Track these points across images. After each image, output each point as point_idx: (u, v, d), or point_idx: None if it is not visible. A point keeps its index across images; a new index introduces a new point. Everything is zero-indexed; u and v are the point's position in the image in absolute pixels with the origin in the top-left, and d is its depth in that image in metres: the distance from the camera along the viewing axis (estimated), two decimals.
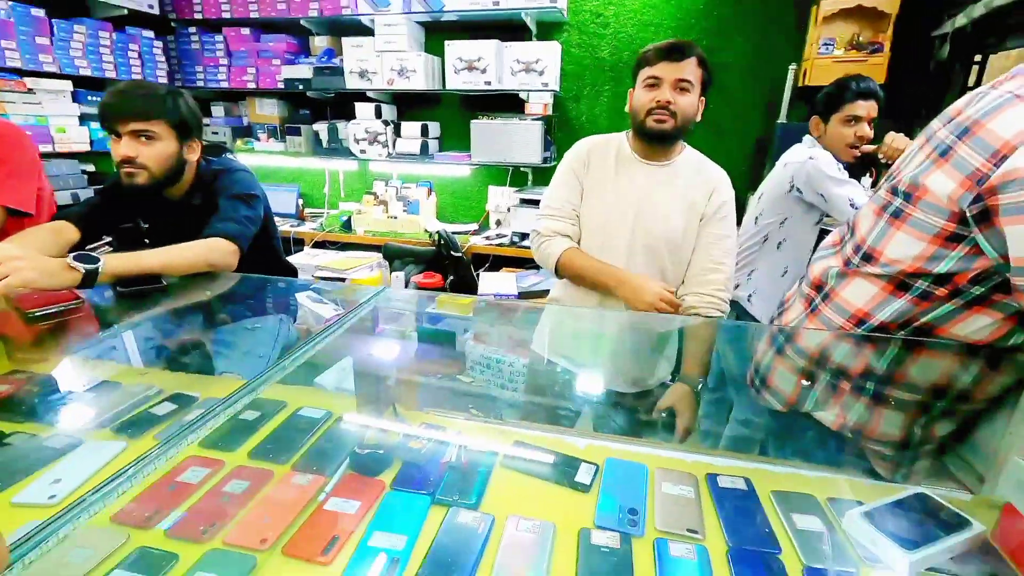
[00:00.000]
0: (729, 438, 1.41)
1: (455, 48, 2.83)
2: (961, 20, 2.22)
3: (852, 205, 1.61)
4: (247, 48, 3.20)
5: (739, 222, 1.88)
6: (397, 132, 3.16)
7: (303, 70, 3.10)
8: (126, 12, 2.95)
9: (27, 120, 2.62)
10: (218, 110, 3.52)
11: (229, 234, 1.30)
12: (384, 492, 0.77)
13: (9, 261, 1.01)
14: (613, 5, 2.88)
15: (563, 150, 3.07)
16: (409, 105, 3.31)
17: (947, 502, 0.78)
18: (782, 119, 2.72)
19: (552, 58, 2.76)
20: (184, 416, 0.87)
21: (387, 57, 2.92)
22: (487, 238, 3.02)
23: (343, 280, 2.60)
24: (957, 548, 0.71)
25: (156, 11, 3.10)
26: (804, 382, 0.99)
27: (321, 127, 3.27)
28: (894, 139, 1.68)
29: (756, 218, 1.87)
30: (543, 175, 3.15)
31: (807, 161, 1.67)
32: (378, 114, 3.13)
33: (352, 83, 3.03)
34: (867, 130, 1.71)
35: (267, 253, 1.58)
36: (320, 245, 3.09)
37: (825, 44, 2.54)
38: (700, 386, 1.17)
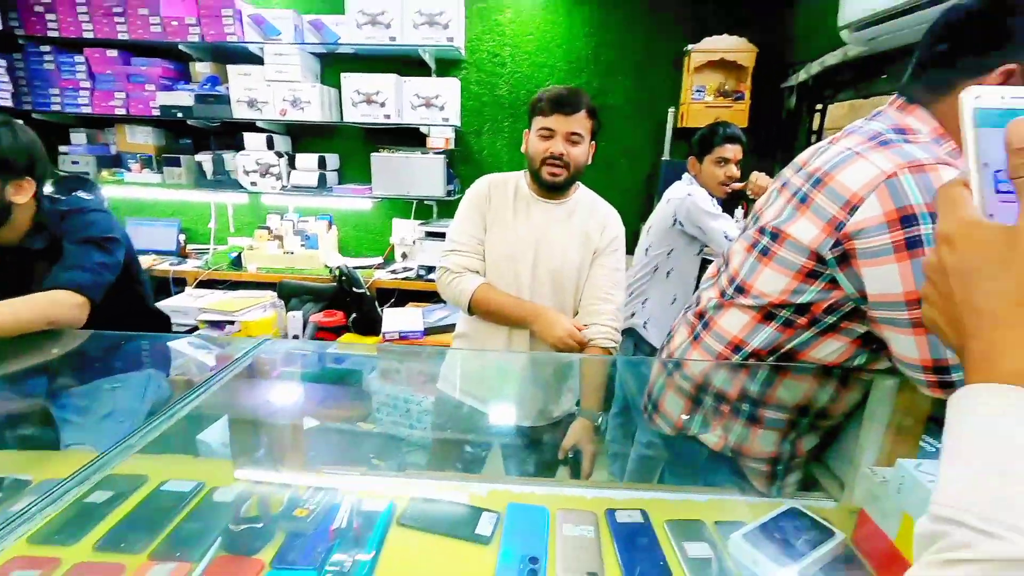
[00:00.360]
0: (635, 464, 1.46)
1: (352, 81, 2.78)
2: (803, 75, 2.58)
3: (726, 237, 1.78)
4: (114, 71, 2.90)
5: (632, 252, 2.00)
6: (292, 164, 3.01)
7: (183, 97, 2.87)
8: None
9: None
10: (79, 137, 3.14)
11: (76, 284, 1.13)
12: (262, 573, 0.69)
13: None
14: (509, 46, 3.00)
15: (467, 183, 3.14)
16: (305, 136, 3.18)
17: (815, 513, 0.85)
18: (666, 156, 2.97)
19: (452, 94, 2.81)
20: (9, 506, 0.73)
21: (279, 87, 2.80)
22: (392, 272, 2.94)
23: (232, 323, 2.38)
24: (825, 558, 0.77)
25: None
26: (689, 407, 1.05)
27: (205, 158, 3.03)
28: (758, 177, 1.91)
29: (646, 250, 2.00)
30: (448, 208, 3.15)
31: (686, 198, 1.83)
32: (270, 145, 2.97)
33: (240, 112, 2.85)
34: (735, 170, 1.92)
35: (131, 302, 1.41)
36: (206, 284, 2.82)
37: (697, 90, 2.82)
38: (600, 420, 1.20)
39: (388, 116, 2.80)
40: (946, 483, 0.28)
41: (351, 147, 3.18)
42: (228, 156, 3.01)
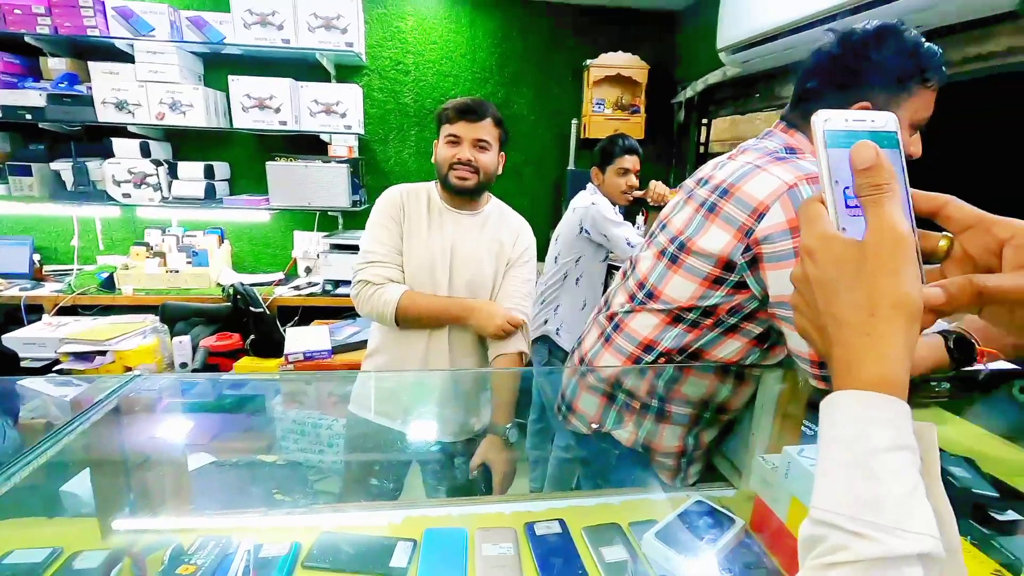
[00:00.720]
0: (554, 468, 1.48)
1: (242, 84, 2.58)
2: (689, 92, 2.80)
3: (628, 243, 1.87)
4: None
5: (543, 260, 2.04)
6: (173, 173, 2.73)
7: (32, 96, 2.49)
8: None
9: None
10: None
11: None
12: None
13: None
14: (412, 54, 2.95)
15: (374, 193, 3.02)
16: (187, 143, 2.89)
17: (717, 503, 0.90)
18: (571, 166, 3.07)
19: (354, 101, 2.70)
20: None
21: (154, 88, 2.52)
22: (295, 288, 2.75)
23: (103, 353, 2.10)
24: (728, 545, 0.82)
25: None
26: (603, 404, 1.08)
27: (64, 166, 2.65)
28: (656, 185, 2.03)
29: (555, 258, 2.05)
30: (354, 219, 3.02)
31: (591, 206, 1.91)
32: (145, 152, 2.66)
33: (106, 115, 2.53)
34: (634, 180, 2.03)
35: None
36: (68, 311, 2.46)
37: (597, 103, 2.96)
38: (507, 433, 1.20)
39: (284, 123, 2.62)
40: (821, 487, 0.29)
41: (243, 155, 2.94)
42: (93, 164, 2.66)
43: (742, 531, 0.84)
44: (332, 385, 1.46)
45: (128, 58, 2.54)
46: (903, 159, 0.34)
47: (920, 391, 1.22)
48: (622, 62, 2.89)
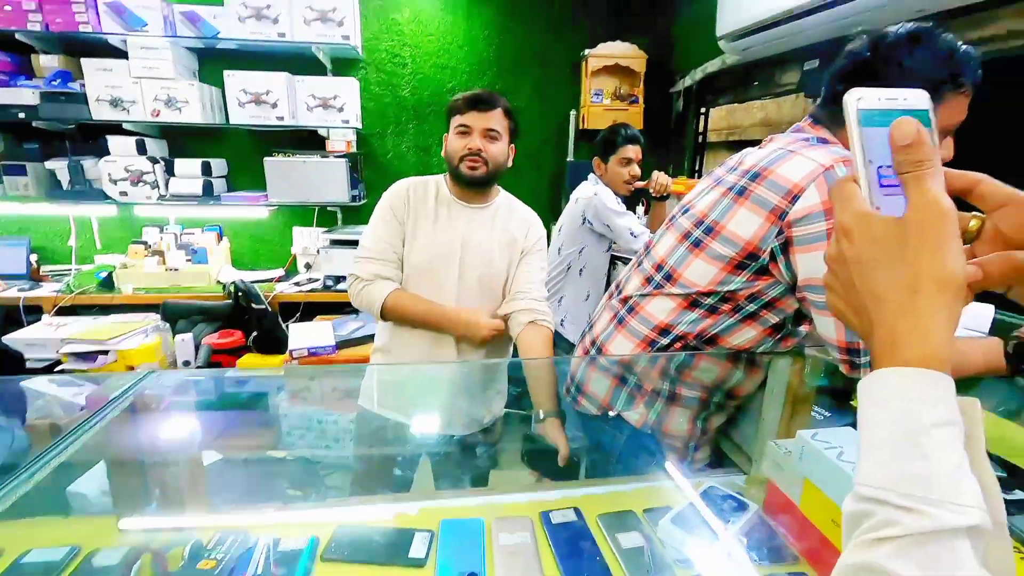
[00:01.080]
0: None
1: (237, 79, 2.55)
2: (688, 81, 2.79)
3: (631, 233, 1.87)
4: None
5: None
6: (170, 171, 2.70)
7: (25, 94, 2.46)
8: None
9: None
10: None
11: None
12: None
13: None
14: (409, 47, 2.93)
15: (373, 188, 3.03)
16: (184, 140, 2.87)
17: (730, 488, 0.91)
18: (570, 157, 3.07)
19: (351, 95, 2.68)
20: None
21: (148, 85, 2.49)
22: (296, 284, 2.74)
23: (105, 353, 2.09)
24: (743, 529, 0.83)
25: None
26: (614, 386, 1.09)
27: (59, 165, 2.62)
28: (659, 176, 2.03)
29: (559, 249, 2.05)
30: (354, 214, 3.01)
31: (593, 197, 1.90)
32: (141, 149, 2.64)
33: (101, 113, 2.50)
34: (637, 169, 2.02)
35: None
36: (68, 311, 2.45)
37: (596, 94, 2.95)
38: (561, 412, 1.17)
39: (281, 118, 2.60)
40: (866, 464, 0.30)
41: (240, 151, 2.92)
42: (89, 163, 2.64)
43: (756, 515, 0.85)
44: (340, 380, 1.46)
45: (121, 54, 2.51)
46: (935, 137, 0.34)
47: None
48: (620, 52, 2.87)
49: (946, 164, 0.34)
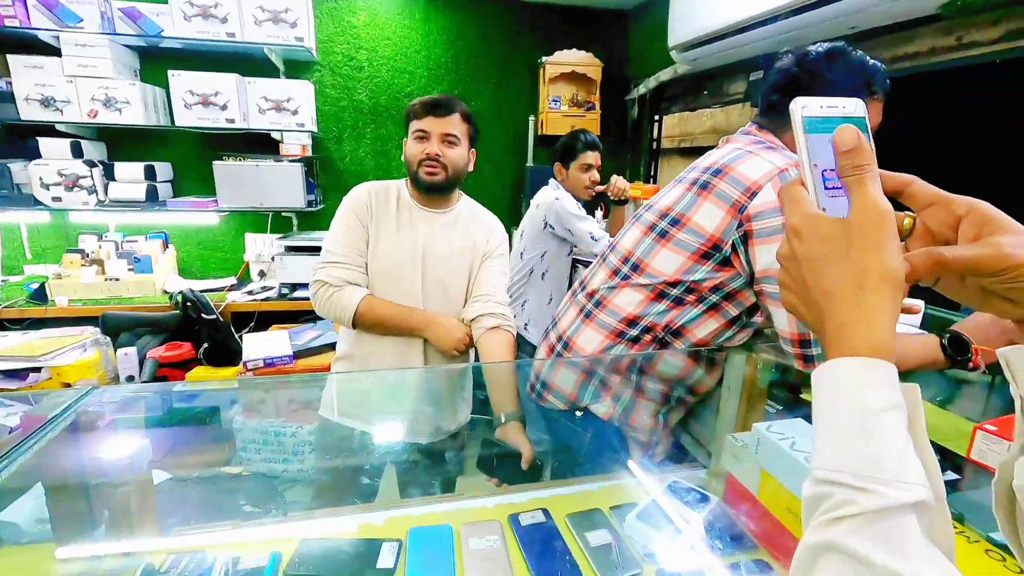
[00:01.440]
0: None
1: (183, 80, 2.44)
2: (642, 89, 2.88)
3: (592, 237, 1.91)
4: None
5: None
6: (109, 175, 2.55)
7: None
8: None
9: None
10: None
11: None
12: None
13: None
14: (365, 50, 2.88)
15: (329, 193, 2.96)
16: (124, 142, 2.72)
17: (691, 482, 0.94)
18: (530, 162, 3.10)
19: (306, 97, 2.61)
20: None
21: (85, 84, 2.35)
22: (249, 293, 2.64)
23: (38, 370, 1.94)
24: (706, 520, 0.86)
25: None
26: (581, 380, 1.11)
27: None
28: (617, 180, 2.08)
29: (521, 253, 2.06)
30: (310, 220, 2.93)
31: (554, 202, 1.93)
32: (77, 152, 2.48)
33: (30, 113, 2.34)
34: (597, 175, 2.07)
35: None
36: None
37: (554, 100, 2.99)
38: (521, 416, 1.17)
39: (232, 120, 2.51)
40: (822, 449, 0.32)
41: (187, 155, 2.79)
42: (17, 166, 2.45)
43: (718, 507, 0.88)
44: (298, 390, 1.41)
45: (54, 51, 2.36)
46: (871, 142, 0.37)
47: None
48: (577, 59, 2.93)
49: None
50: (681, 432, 1.20)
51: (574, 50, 2.94)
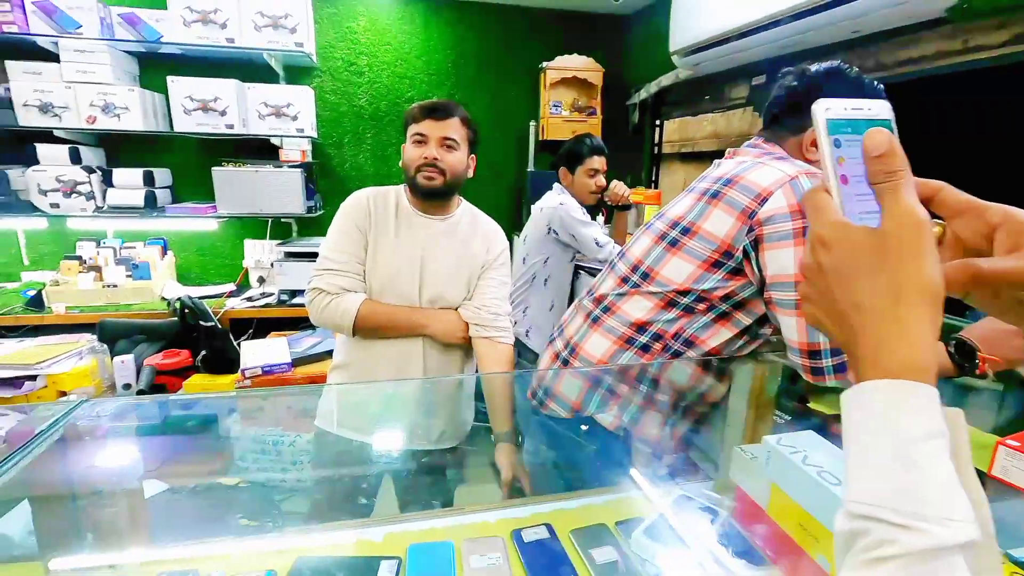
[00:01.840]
0: (538, 469, 1.46)
1: (183, 85, 2.43)
2: (644, 94, 2.86)
3: (596, 243, 1.89)
4: None
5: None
6: (108, 181, 2.54)
7: None
8: None
9: None
10: None
11: None
12: None
13: None
14: (366, 55, 2.88)
15: (329, 198, 2.94)
16: (123, 149, 2.71)
17: (699, 496, 0.91)
18: (531, 168, 3.08)
19: (306, 103, 2.60)
20: None
21: (83, 90, 2.34)
22: (248, 299, 2.62)
23: (33, 378, 1.92)
24: (715, 536, 0.83)
25: None
26: (587, 388, 1.09)
27: None
28: (616, 185, 2.06)
29: (524, 259, 2.04)
30: (310, 225, 2.92)
31: (558, 207, 1.91)
32: (75, 159, 2.47)
33: (29, 119, 2.33)
34: (603, 180, 2.05)
35: None
36: None
37: (555, 105, 2.98)
38: (519, 438, 1.16)
39: (231, 126, 2.50)
40: (856, 480, 0.29)
41: (186, 160, 2.78)
42: (15, 172, 2.44)
43: (726, 521, 0.85)
44: (296, 399, 1.39)
45: (52, 57, 2.35)
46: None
47: None
48: (578, 64, 2.92)
49: None
50: (688, 443, 1.18)
51: (575, 55, 2.93)
